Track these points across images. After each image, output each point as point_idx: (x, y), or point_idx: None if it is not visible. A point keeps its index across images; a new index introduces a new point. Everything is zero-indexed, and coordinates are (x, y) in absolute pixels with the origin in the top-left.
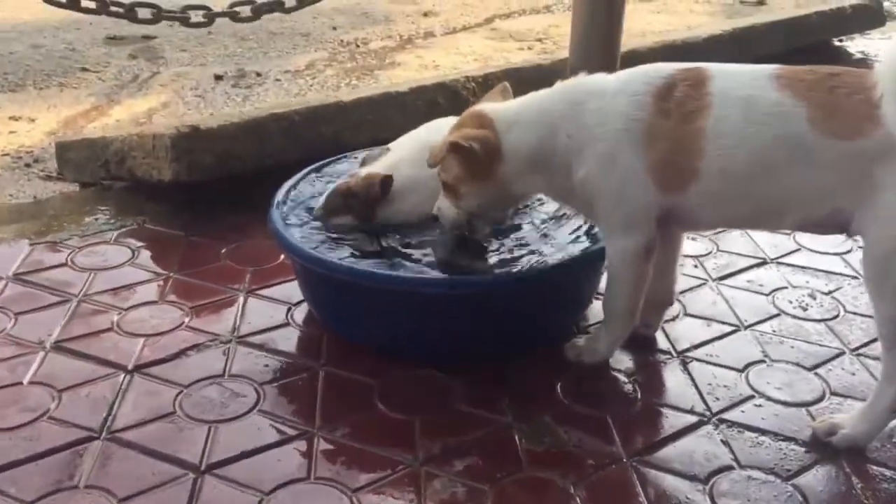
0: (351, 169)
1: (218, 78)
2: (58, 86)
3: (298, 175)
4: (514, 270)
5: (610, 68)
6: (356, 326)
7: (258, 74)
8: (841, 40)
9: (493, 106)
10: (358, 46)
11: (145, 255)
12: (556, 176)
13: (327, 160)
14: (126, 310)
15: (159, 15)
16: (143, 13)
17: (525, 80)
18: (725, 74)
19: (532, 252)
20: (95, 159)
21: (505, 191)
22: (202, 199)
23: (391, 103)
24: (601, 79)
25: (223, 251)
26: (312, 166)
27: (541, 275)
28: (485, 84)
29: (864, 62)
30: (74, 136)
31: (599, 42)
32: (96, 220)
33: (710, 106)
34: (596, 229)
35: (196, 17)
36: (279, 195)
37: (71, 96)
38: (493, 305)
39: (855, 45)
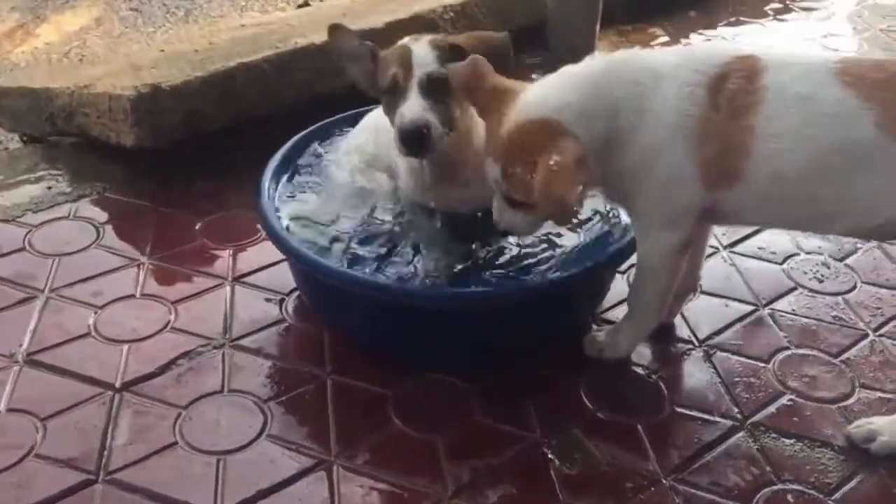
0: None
1: None
2: None
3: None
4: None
5: None
6: (365, 333)
7: None
8: None
9: (544, 102)
10: None
11: (111, 233)
12: (603, 160)
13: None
14: (101, 307)
15: None
16: None
17: (505, 6)
18: (781, 66)
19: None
20: (38, 111)
21: None
22: (167, 161)
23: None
24: (653, 57)
25: (198, 226)
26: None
27: (562, 281)
28: (463, 13)
29: None
30: (8, 81)
31: None
32: (49, 189)
33: (762, 102)
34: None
35: None
36: (267, 179)
37: None
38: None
39: None
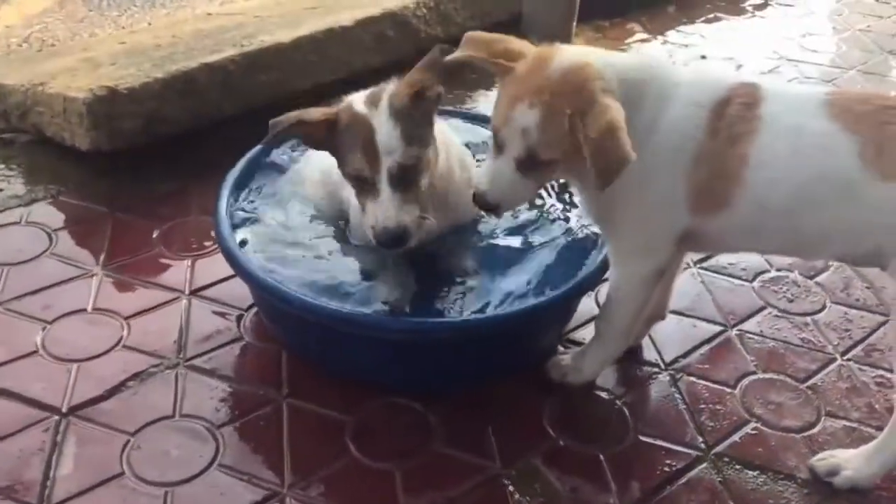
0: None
1: None
2: None
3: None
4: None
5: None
6: (324, 359)
7: None
8: None
9: (591, 54)
10: None
11: (65, 240)
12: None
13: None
14: (51, 323)
15: None
16: None
17: (479, 2)
18: (779, 97)
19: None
20: None
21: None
22: (126, 162)
23: (336, 41)
24: (674, 70)
25: (155, 234)
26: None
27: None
28: (437, 10)
29: None
30: None
31: None
32: (1, 191)
33: (757, 131)
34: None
35: None
36: (225, 192)
37: None
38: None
39: None
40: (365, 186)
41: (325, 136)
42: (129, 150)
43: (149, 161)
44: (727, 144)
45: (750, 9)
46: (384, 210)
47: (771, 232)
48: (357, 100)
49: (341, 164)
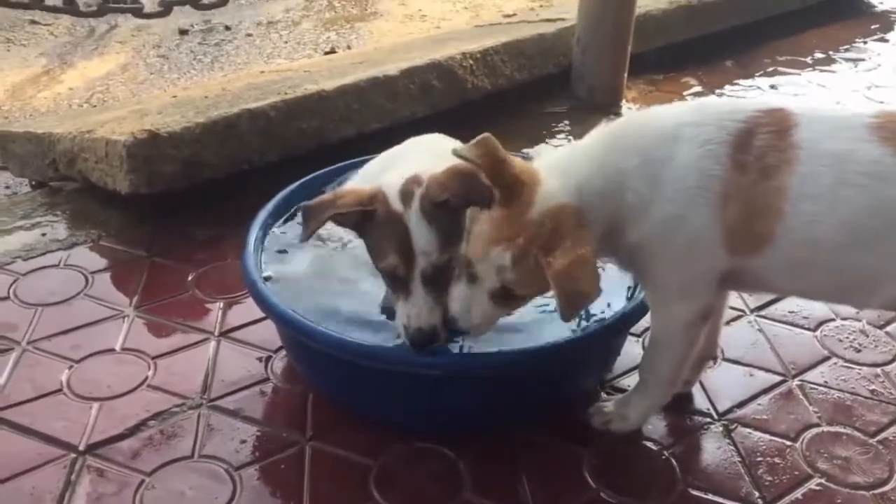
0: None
1: (183, 33)
2: (4, 42)
3: (283, 194)
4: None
5: (623, 35)
6: (353, 400)
7: (227, 28)
8: None
9: (559, 180)
10: None
11: (101, 282)
12: (605, 233)
13: (316, 174)
14: (78, 361)
15: (104, 6)
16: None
17: (527, 53)
18: (814, 121)
19: None
20: (42, 156)
21: None
22: (167, 208)
23: (379, 90)
24: (663, 119)
25: (190, 277)
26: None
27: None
28: (483, 62)
29: (887, 15)
30: (18, 126)
31: (611, 3)
32: (44, 235)
33: (795, 160)
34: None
35: (151, 6)
36: (255, 231)
37: (19, 56)
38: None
39: None
40: (398, 282)
41: (358, 223)
42: (170, 195)
43: (189, 207)
44: (760, 178)
45: (811, 62)
46: (417, 312)
47: (819, 271)
48: (391, 190)
49: (374, 256)
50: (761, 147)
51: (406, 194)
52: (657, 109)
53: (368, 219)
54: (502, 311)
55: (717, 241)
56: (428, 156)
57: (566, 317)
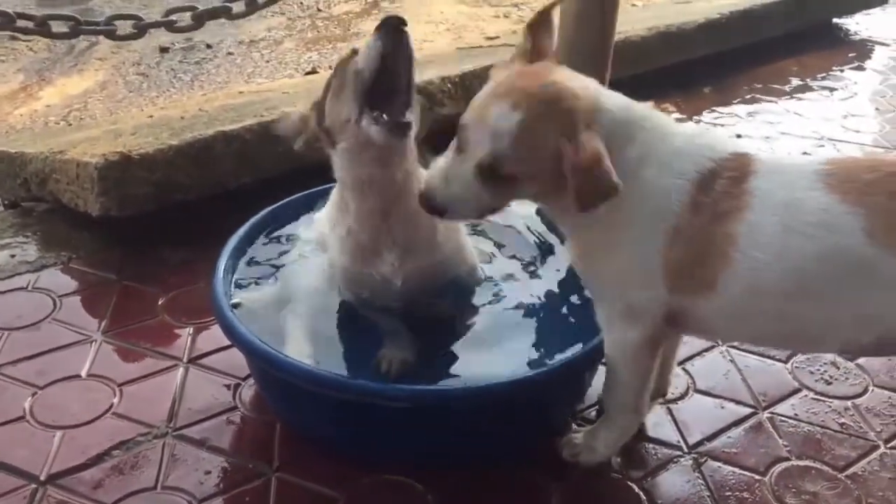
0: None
1: (163, 51)
2: None
3: (255, 220)
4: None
5: (601, 61)
6: (319, 432)
7: (208, 46)
8: (840, 18)
9: (593, 84)
10: (320, 10)
11: (70, 305)
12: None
13: (288, 200)
14: (43, 388)
15: (77, 28)
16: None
17: None
18: (771, 170)
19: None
20: (14, 176)
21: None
22: (139, 230)
23: None
24: (670, 126)
25: (161, 302)
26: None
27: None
28: (462, 85)
29: (864, 43)
30: None
31: (591, 27)
32: (13, 256)
33: (747, 208)
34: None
35: (124, 28)
36: (224, 259)
37: None
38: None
39: (856, 23)
40: None
41: None
42: (142, 218)
43: (161, 230)
44: (712, 222)
45: (789, 90)
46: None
47: (763, 318)
48: None
49: None
50: (719, 192)
51: None
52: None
53: None
54: (485, 196)
55: (657, 272)
56: None
57: (583, 208)
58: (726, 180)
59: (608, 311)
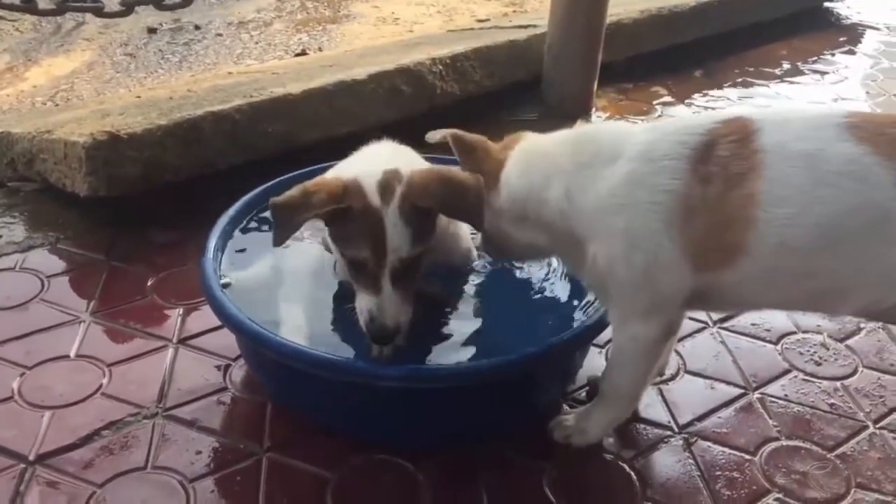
0: None
1: (151, 31)
2: None
3: (246, 199)
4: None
5: (593, 44)
6: (309, 411)
7: (197, 27)
8: (831, 1)
9: (528, 135)
10: None
11: (58, 286)
12: (559, 238)
13: (280, 179)
14: (31, 368)
15: (64, 5)
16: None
17: (497, 60)
18: (777, 124)
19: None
20: (0, 156)
21: (504, 230)
22: (128, 211)
23: (347, 94)
24: (618, 135)
25: (150, 282)
26: (259, 190)
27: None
28: (453, 67)
29: (856, 27)
30: None
31: (583, 10)
32: (0, 237)
33: (762, 165)
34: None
35: (112, 6)
36: (214, 238)
37: None
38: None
39: (847, 7)
40: (364, 273)
41: (330, 219)
42: (130, 198)
43: (150, 211)
44: (727, 187)
45: (780, 74)
46: (383, 309)
47: (792, 278)
48: (368, 184)
49: (342, 246)
50: (724, 157)
51: (385, 189)
52: (612, 126)
53: (342, 215)
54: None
55: (680, 260)
56: (395, 153)
57: None
58: (729, 144)
59: (626, 309)
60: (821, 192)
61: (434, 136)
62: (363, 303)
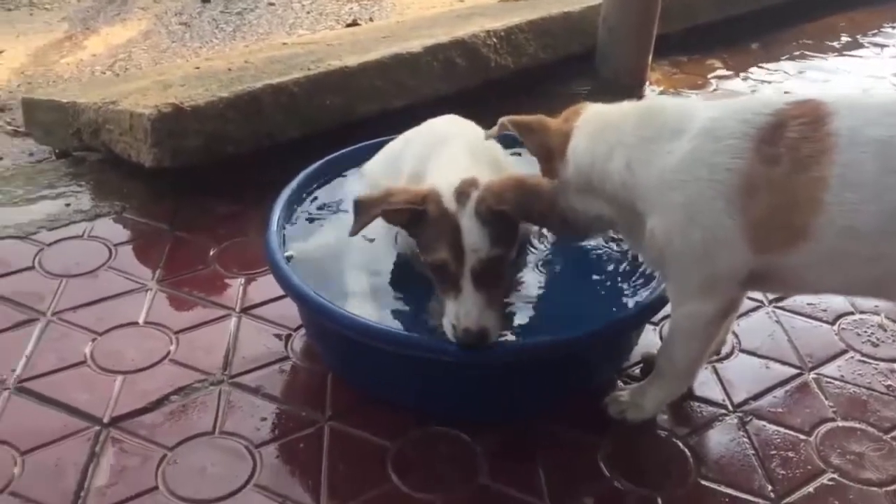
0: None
1: (205, 1)
2: (27, 6)
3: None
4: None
5: (649, 16)
6: (371, 383)
7: None
8: None
9: (589, 105)
10: None
11: (124, 254)
12: (621, 210)
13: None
14: (102, 334)
15: None
16: None
17: (552, 32)
18: (851, 109)
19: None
20: (66, 125)
21: (571, 203)
22: (190, 182)
23: (403, 67)
24: (683, 111)
25: (212, 252)
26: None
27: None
28: (507, 39)
29: None
30: (42, 94)
31: None
32: (67, 205)
33: (834, 149)
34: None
35: None
36: (279, 209)
37: (42, 20)
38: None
39: None
40: (446, 278)
41: (407, 222)
42: (193, 170)
43: (212, 182)
44: (795, 170)
45: (838, 47)
46: (466, 311)
47: (857, 263)
48: (445, 190)
49: (424, 252)
50: (794, 139)
51: (461, 194)
52: (679, 101)
53: (419, 217)
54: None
55: (739, 239)
56: (462, 153)
57: None
58: (800, 126)
59: (684, 285)
60: (891, 179)
61: (491, 133)
62: (448, 310)
